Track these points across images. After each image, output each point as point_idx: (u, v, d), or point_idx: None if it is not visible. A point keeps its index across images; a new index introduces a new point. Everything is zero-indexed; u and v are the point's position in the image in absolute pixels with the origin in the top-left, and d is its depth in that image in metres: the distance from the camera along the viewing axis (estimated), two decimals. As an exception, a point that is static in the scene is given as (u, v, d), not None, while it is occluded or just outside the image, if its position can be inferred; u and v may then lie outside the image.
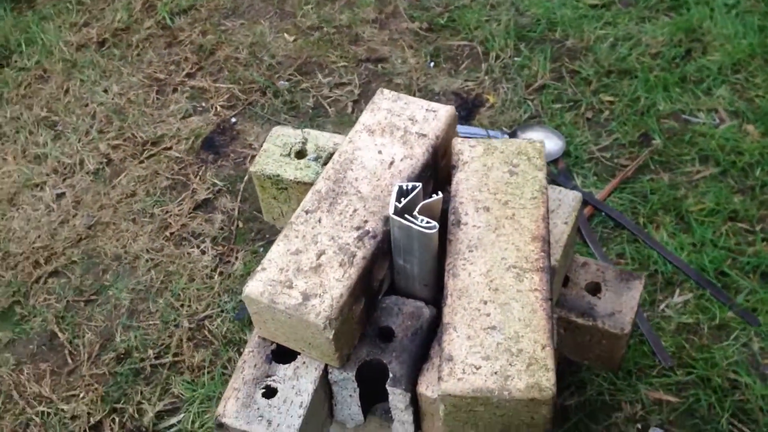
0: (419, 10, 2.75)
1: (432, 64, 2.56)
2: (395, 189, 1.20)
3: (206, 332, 1.93)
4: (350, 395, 1.28)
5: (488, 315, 1.14)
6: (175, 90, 2.57)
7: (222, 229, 2.16)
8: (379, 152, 1.35)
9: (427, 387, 1.21)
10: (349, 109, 2.46)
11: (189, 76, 2.62)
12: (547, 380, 1.07)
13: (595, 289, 1.48)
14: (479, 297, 1.16)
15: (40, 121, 2.51)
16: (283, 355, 1.28)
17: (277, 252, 1.23)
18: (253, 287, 1.20)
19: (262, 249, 2.10)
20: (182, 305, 1.99)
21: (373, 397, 1.32)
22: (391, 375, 1.23)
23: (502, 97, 2.45)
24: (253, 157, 2.35)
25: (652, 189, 2.15)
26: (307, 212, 1.28)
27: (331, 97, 2.50)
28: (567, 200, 1.43)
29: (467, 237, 1.22)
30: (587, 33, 2.60)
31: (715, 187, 2.14)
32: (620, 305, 1.45)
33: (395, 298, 1.32)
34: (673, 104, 2.37)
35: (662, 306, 1.92)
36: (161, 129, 2.44)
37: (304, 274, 1.20)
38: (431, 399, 1.21)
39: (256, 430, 1.19)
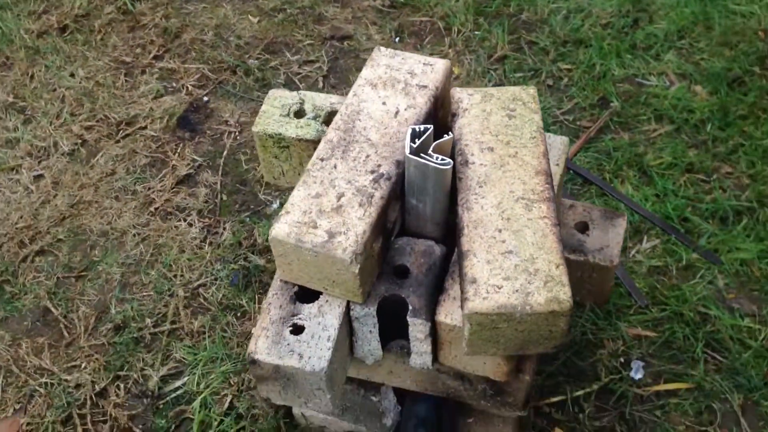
0: (379, -12, 2.83)
1: (398, 39, 2.65)
2: (409, 131, 1.28)
3: (202, 299, 1.97)
4: (370, 331, 1.35)
5: (504, 241, 1.23)
6: (143, 72, 2.59)
7: (207, 202, 2.20)
8: (384, 103, 1.43)
9: (446, 315, 1.29)
10: (320, 84, 2.53)
11: (156, 58, 2.64)
12: (564, 294, 1.17)
13: (583, 227, 1.59)
14: (494, 226, 1.25)
15: (8, 106, 2.49)
16: (304, 296, 1.35)
17: (298, 196, 1.30)
18: (280, 229, 1.26)
19: (248, 219, 2.15)
20: (175, 275, 2.02)
21: (388, 336, 1.40)
22: (410, 307, 1.31)
23: (466, 68, 2.55)
24: (230, 133, 2.39)
25: (615, 147, 2.29)
26: (322, 160, 1.35)
27: (300, 73, 2.56)
28: (556, 144, 1.54)
29: (476, 174, 1.31)
30: (540, 7, 2.73)
31: (672, 142, 2.29)
32: (607, 240, 1.56)
33: (407, 238, 1.40)
34: (626, 69, 2.52)
35: (633, 252, 2.05)
36: (134, 109, 2.46)
37: (326, 214, 1.27)
38: (450, 326, 1.29)
39: (289, 363, 1.25)
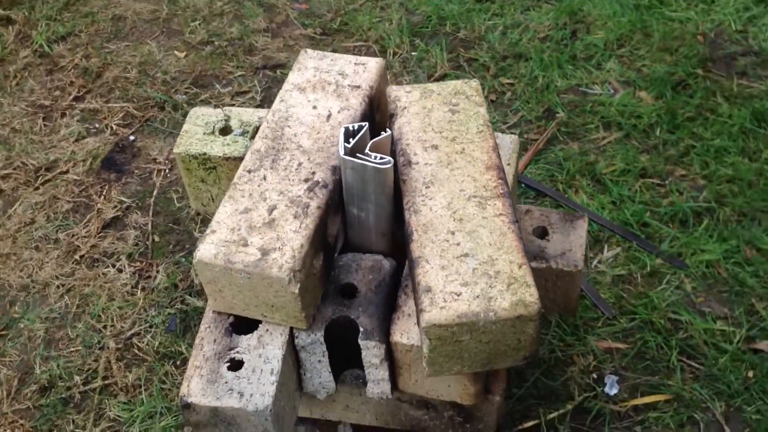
0: (310, 17, 2.73)
1: (332, 63, 2.54)
2: (342, 130, 1.15)
3: (136, 350, 1.79)
4: (319, 360, 1.20)
5: (458, 244, 1.10)
6: (63, 114, 2.43)
7: (137, 245, 2.03)
8: (314, 107, 1.30)
9: (402, 335, 1.15)
10: (254, 115, 2.39)
11: (77, 99, 2.48)
12: (530, 295, 1.04)
13: (542, 233, 1.48)
14: (445, 228, 1.12)
15: None
16: (241, 327, 1.19)
17: (224, 213, 1.16)
18: (206, 250, 1.11)
19: (184, 259, 1.99)
20: (105, 326, 1.84)
21: (340, 366, 1.25)
22: (361, 329, 1.16)
23: (405, 88, 2.45)
24: (160, 171, 2.23)
25: (565, 157, 2.20)
26: (249, 171, 1.21)
27: (233, 104, 2.43)
28: (505, 143, 1.43)
29: (421, 175, 1.19)
30: (477, 24, 2.66)
31: (622, 149, 2.21)
32: (569, 244, 1.45)
33: (352, 254, 1.26)
34: (569, 80, 2.44)
35: (594, 262, 1.94)
36: (54, 154, 2.29)
37: (257, 230, 1.13)
38: (408, 346, 1.15)
39: (228, 404, 1.09)
